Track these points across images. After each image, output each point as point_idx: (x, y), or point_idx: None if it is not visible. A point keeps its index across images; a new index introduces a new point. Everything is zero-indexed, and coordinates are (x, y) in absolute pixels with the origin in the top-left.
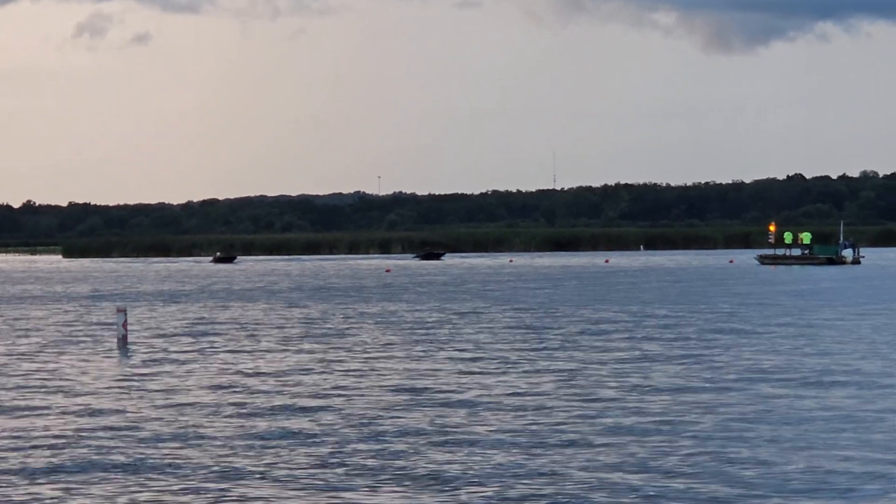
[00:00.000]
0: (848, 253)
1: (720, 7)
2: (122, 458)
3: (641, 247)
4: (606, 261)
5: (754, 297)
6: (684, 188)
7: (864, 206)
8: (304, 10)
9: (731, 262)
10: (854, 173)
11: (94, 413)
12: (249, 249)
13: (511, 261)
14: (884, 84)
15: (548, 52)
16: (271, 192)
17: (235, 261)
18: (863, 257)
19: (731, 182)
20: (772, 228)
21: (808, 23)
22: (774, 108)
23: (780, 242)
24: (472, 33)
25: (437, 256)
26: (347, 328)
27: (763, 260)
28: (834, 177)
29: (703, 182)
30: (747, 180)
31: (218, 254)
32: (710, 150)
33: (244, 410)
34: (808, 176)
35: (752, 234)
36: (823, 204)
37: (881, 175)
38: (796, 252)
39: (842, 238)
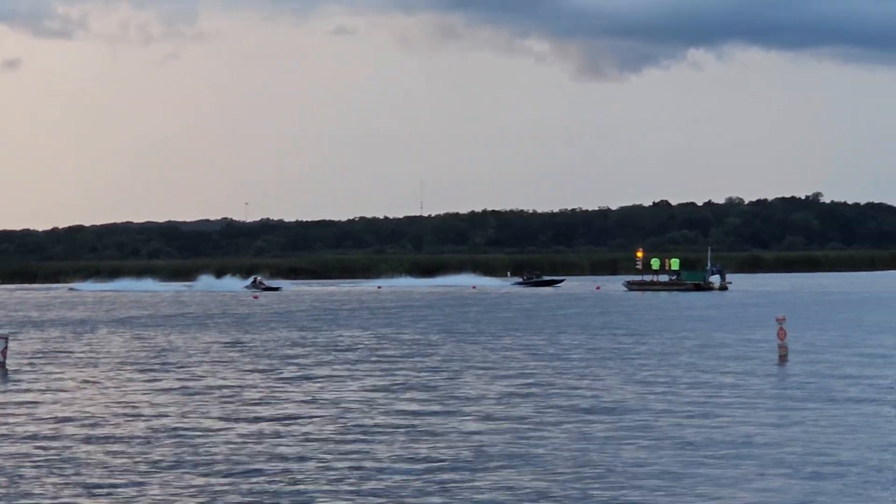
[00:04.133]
0: (715, 279)
1: (593, 34)
2: None
3: (508, 273)
4: (473, 287)
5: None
6: (551, 215)
7: (730, 232)
8: (177, 36)
9: (597, 288)
10: (720, 200)
11: None
12: (116, 276)
13: (379, 287)
14: (753, 110)
15: (419, 79)
16: (138, 219)
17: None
18: (730, 283)
19: (597, 209)
20: (639, 255)
21: (681, 50)
22: (643, 135)
23: (647, 269)
24: (345, 60)
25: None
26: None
27: (631, 286)
28: (700, 203)
29: (569, 209)
30: (613, 207)
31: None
32: (577, 177)
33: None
34: (673, 202)
35: (618, 260)
36: (689, 230)
37: (746, 202)
38: (664, 278)
39: (709, 264)
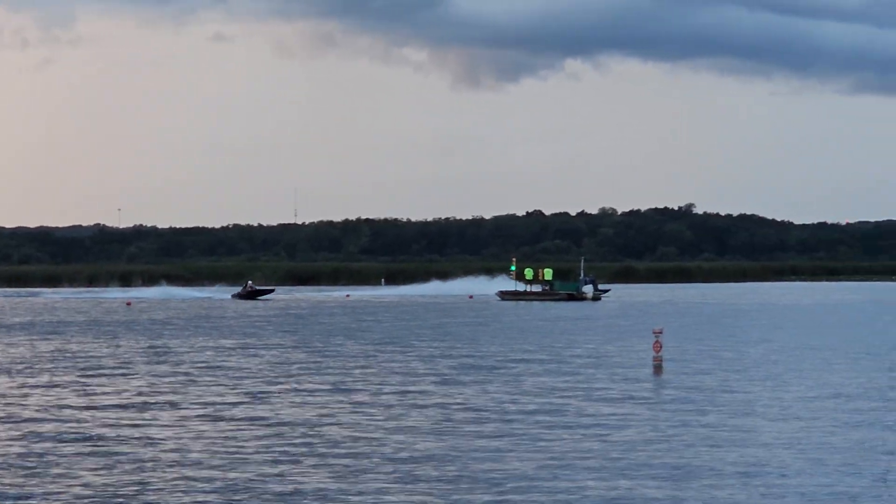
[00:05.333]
0: (588, 289)
1: (471, 44)
2: None
3: (382, 281)
4: (347, 296)
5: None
6: (425, 223)
7: (603, 242)
8: (54, 41)
9: (469, 297)
10: (593, 210)
11: None
12: None
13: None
14: (628, 121)
15: (295, 87)
16: (9, 224)
17: None
18: (604, 292)
19: (471, 218)
20: (513, 264)
21: (558, 60)
22: (518, 144)
23: (521, 278)
24: (222, 66)
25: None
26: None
27: (503, 296)
28: (573, 213)
29: (443, 218)
30: (487, 216)
31: None
32: (452, 186)
33: None
34: (547, 212)
35: (492, 269)
36: (563, 240)
37: (620, 212)
38: (537, 288)
39: (582, 274)
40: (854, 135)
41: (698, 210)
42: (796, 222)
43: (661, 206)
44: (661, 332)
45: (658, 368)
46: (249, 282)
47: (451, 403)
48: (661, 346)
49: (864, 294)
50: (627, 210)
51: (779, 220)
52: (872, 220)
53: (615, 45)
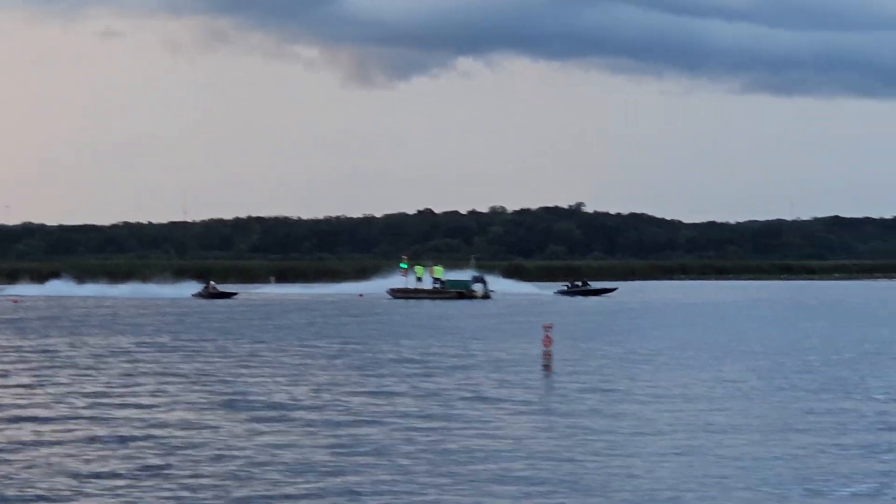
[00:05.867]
0: (479, 287)
1: (362, 42)
2: None
3: (272, 279)
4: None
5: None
6: (316, 221)
7: (493, 241)
8: None
9: (360, 296)
10: (483, 209)
11: None
12: None
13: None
14: (519, 120)
15: (186, 83)
16: None
17: None
18: (493, 291)
19: (362, 216)
20: (404, 262)
21: (450, 58)
22: (409, 142)
23: (412, 275)
24: (112, 62)
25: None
26: None
27: (394, 294)
28: (464, 212)
29: (334, 216)
30: (378, 214)
31: None
32: (342, 184)
33: None
34: (437, 211)
35: (382, 267)
36: (453, 238)
37: (510, 211)
38: (427, 286)
39: (473, 273)
40: (744, 134)
41: (588, 209)
42: (685, 221)
43: (551, 205)
44: (550, 328)
45: (547, 364)
46: (212, 282)
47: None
48: (550, 341)
49: (755, 293)
50: (518, 209)
51: (668, 219)
52: (761, 219)
53: (507, 44)
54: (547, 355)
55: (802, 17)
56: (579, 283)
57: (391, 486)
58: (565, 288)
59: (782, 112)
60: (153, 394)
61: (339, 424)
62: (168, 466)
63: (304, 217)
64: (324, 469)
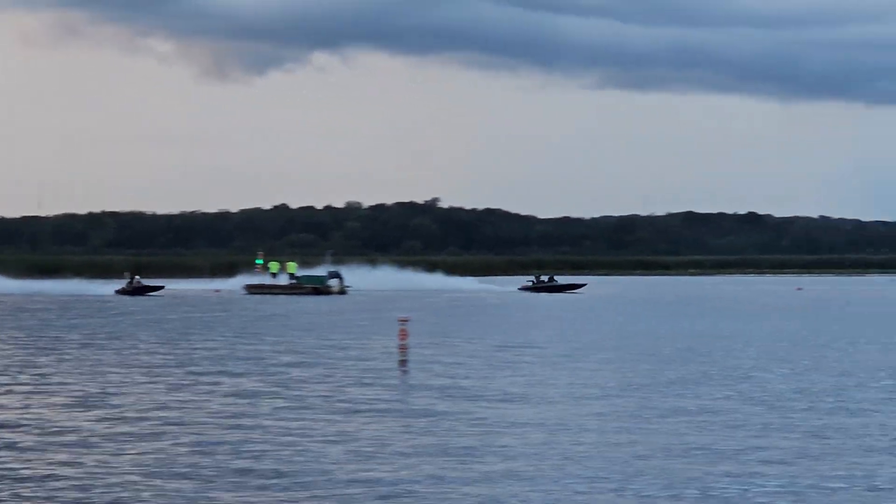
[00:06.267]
0: (335, 283)
1: (217, 36)
2: None
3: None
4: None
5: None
6: (171, 217)
7: (349, 236)
8: None
9: (216, 291)
10: (340, 204)
11: None
12: None
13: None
14: (376, 115)
15: (39, 77)
16: None
17: None
18: (349, 286)
19: (217, 211)
20: (260, 258)
21: (306, 53)
22: (264, 137)
23: (267, 272)
24: None
25: None
26: None
27: (250, 289)
28: (319, 207)
29: (189, 211)
30: (234, 210)
31: None
32: (198, 179)
33: None
34: (293, 206)
35: (238, 263)
36: (309, 234)
37: (366, 206)
38: (283, 282)
39: (328, 268)
40: (599, 130)
41: (444, 204)
42: (540, 217)
43: (407, 201)
44: (407, 321)
45: (403, 358)
46: (137, 277)
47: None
48: (407, 335)
49: (613, 288)
50: (374, 204)
51: (523, 214)
52: (616, 214)
53: (363, 38)
54: (403, 348)
55: (656, 13)
56: (545, 279)
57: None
58: (530, 284)
59: (636, 108)
60: None
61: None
62: None
63: (160, 212)
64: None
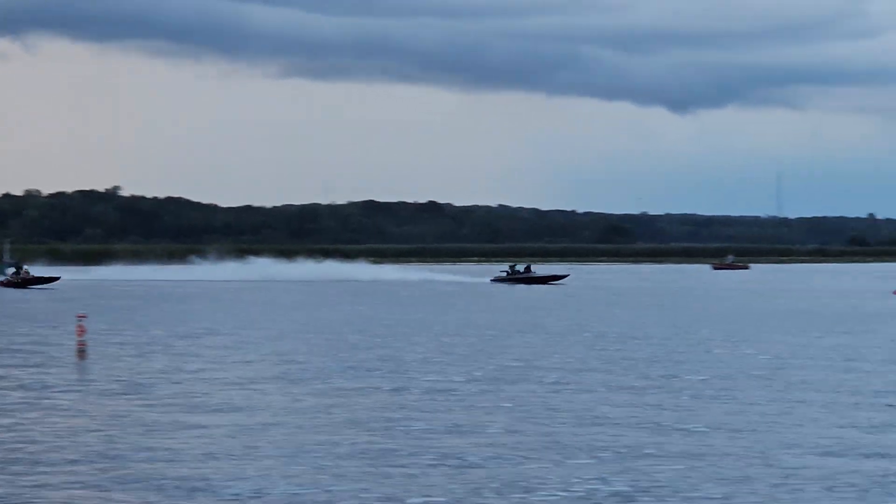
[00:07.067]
0: (11, 272)
1: None
2: None
3: None
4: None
5: None
6: None
7: (28, 224)
8: None
9: None
10: (18, 192)
11: None
12: None
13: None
14: (57, 102)
15: None
16: None
17: None
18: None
19: None
20: None
21: None
22: None
23: None
24: None
25: None
26: None
27: None
28: None
29: None
30: None
31: None
32: None
33: None
34: None
35: None
36: None
37: (45, 194)
38: None
39: (7, 257)
40: (282, 118)
41: (125, 192)
42: (222, 205)
43: (88, 189)
44: (84, 317)
45: (82, 353)
46: (25, 267)
47: None
48: (84, 331)
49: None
50: (53, 192)
51: (205, 202)
52: (298, 203)
53: (45, 24)
54: (81, 344)
55: (340, 3)
56: (520, 269)
57: None
58: (504, 274)
59: (320, 96)
60: None
61: None
62: None
63: None
64: None
